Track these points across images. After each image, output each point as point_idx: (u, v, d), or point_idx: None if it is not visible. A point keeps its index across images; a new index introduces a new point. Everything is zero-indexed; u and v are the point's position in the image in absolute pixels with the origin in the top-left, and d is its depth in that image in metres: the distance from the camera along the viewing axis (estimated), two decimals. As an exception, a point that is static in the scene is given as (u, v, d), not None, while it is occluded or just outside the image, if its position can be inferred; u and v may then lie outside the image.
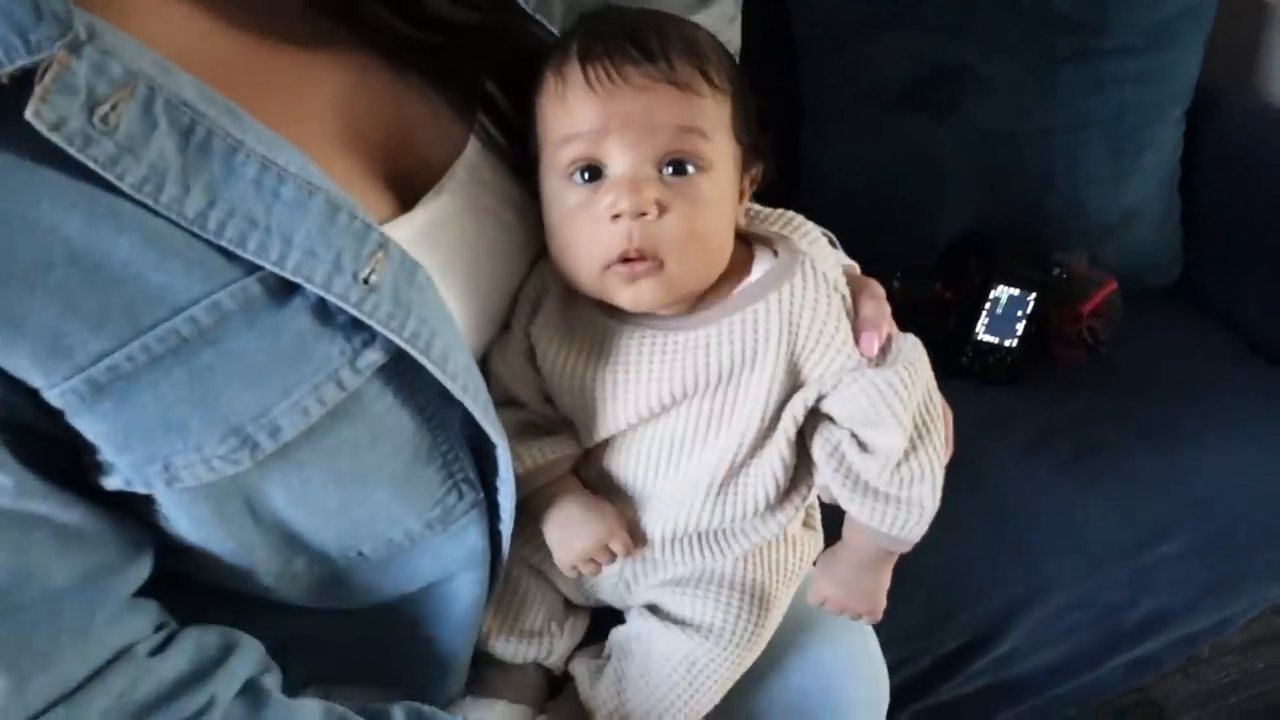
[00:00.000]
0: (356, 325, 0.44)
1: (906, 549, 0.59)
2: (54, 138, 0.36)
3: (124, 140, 0.38)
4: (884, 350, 0.55)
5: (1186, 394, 1.15)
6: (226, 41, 0.47)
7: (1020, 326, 1.13)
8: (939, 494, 0.56)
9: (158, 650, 0.47)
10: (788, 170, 1.27)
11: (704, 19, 1.18)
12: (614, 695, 0.63)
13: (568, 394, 0.57)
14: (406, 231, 0.49)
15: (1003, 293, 1.12)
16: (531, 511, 0.59)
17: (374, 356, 0.44)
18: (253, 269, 0.41)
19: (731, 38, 1.21)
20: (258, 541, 0.48)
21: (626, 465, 0.59)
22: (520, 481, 0.54)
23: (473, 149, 0.54)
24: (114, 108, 0.38)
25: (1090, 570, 0.98)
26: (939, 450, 0.56)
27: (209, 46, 0.46)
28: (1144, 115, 1.24)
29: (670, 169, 0.51)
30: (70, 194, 0.38)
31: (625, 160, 0.51)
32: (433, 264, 0.48)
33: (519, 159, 0.56)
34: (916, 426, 0.54)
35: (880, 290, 0.58)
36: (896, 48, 1.22)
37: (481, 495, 0.53)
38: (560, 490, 0.58)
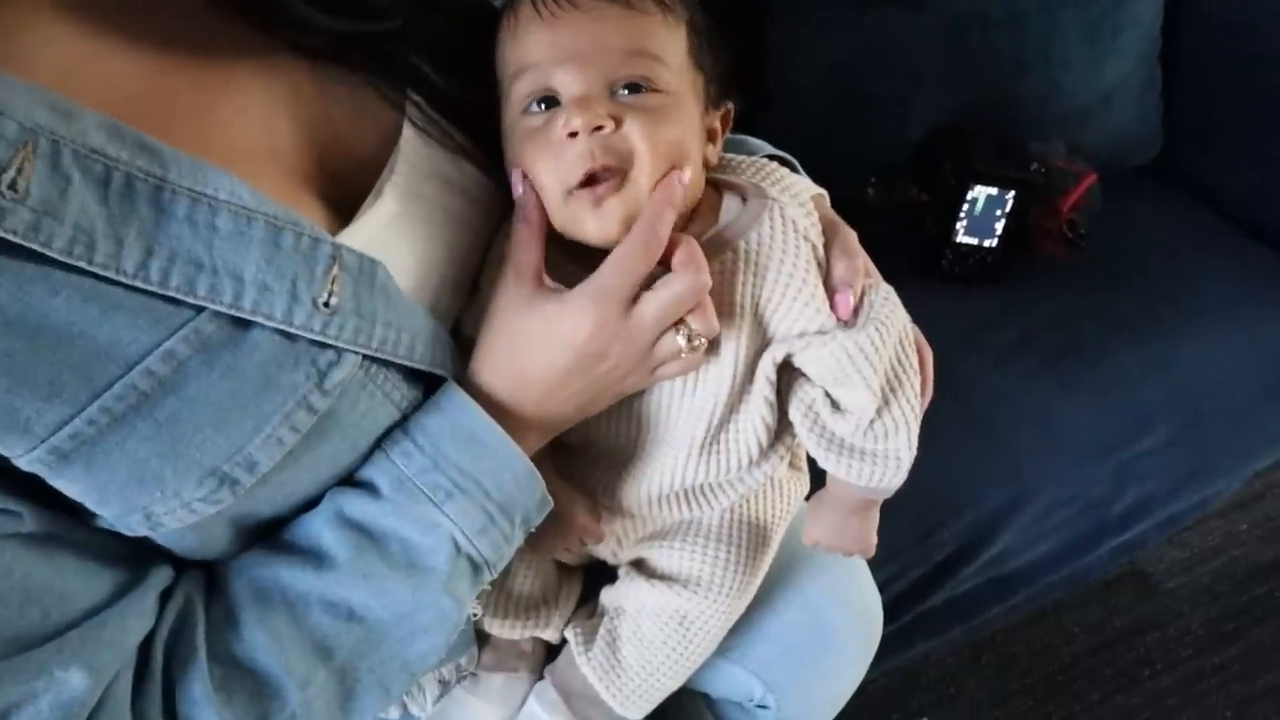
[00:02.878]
0: (320, 344, 0.42)
1: (889, 495, 0.59)
2: None
3: (39, 205, 0.35)
4: (856, 309, 0.53)
5: (1166, 283, 1.14)
6: (127, 59, 0.43)
7: (999, 226, 1.11)
8: (915, 444, 0.56)
9: None
10: (754, 72, 1.23)
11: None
12: (608, 655, 0.64)
13: None
14: (356, 240, 0.46)
15: (980, 193, 1.09)
16: None
17: (341, 374, 0.43)
18: (201, 308, 0.39)
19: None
20: (252, 540, 0.48)
21: (605, 429, 0.57)
22: None
23: (408, 136, 0.51)
24: (20, 171, 0.35)
25: (1074, 469, 0.99)
26: (913, 402, 0.55)
27: (108, 68, 0.42)
28: (1121, -11, 1.19)
29: (625, 91, 0.49)
30: None
31: (577, 84, 0.49)
32: (387, 258, 0.46)
33: (461, 129, 0.53)
34: (889, 381, 0.53)
35: (853, 240, 0.56)
36: (859, -65, 1.15)
37: None
38: None
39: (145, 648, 0.44)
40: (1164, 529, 1.22)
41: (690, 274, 0.48)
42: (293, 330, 0.41)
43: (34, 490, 0.40)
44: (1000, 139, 1.14)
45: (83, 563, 0.42)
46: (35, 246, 0.35)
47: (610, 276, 0.48)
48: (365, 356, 0.44)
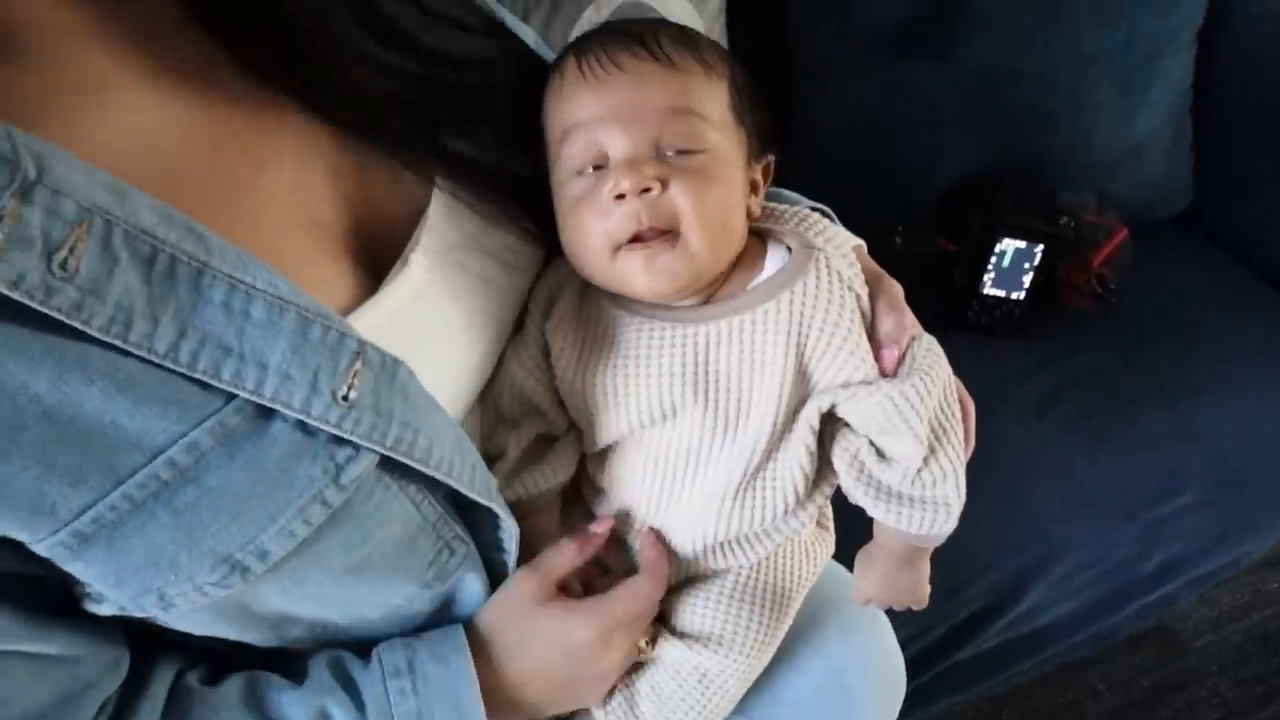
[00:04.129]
0: (339, 439, 0.43)
1: (939, 543, 0.59)
2: (15, 295, 0.35)
3: (86, 284, 0.36)
4: (900, 359, 0.54)
5: (1195, 339, 1.13)
6: (179, 132, 0.44)
7: (1027, 279, 1.10)
8: (964, 490, 0.56)
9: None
10: (781, 121, 1.24)
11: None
12: (626, 709, 0.64)
13: (578, 392, 0.57)
14: (379, 315, 0.48)
15: (1008, 246, 1.09)
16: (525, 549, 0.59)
17: (357, 470, 0.43)
18: (229, 398, 0.40)
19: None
20: (258, 627, 0.48)
21: (641, 475, 0.58)
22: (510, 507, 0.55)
23: (436, 205, 0.52)
24: (72, 250, 0.36)
25: (1100, 529, 0.98)
26: (958, 449, 0.56)
27: (161, 141, 0.43)
28: (1154, 44, 1.20)
29: (670, 150, 0.51)
30: (35, 349, 0.36)
31: (623, 144, 0.51)
32: (412, 341, 0.47)
33: (492, 196, 0.54)
34: (934, 430, 0.54)
35: (898, 294, 0.57)
36: (889, -14, 1.16)
37: (472, 545, 0.53)
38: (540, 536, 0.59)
39: None
40: (1194, 588, 1.20)
41: (656, 582, 0.58)
42: (310, 420, 0.41)
43: (10, 596, 0.41)
44: (1029, 190, 1.14)
45: (33, 671, 0.43)
46: (76, 324, 0.36)
47: (621, 603, 0.57)
48: (383, 456, 0.44)
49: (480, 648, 0.54)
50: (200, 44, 0.46)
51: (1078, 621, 1.03)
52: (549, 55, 0.62)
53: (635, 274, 0.51)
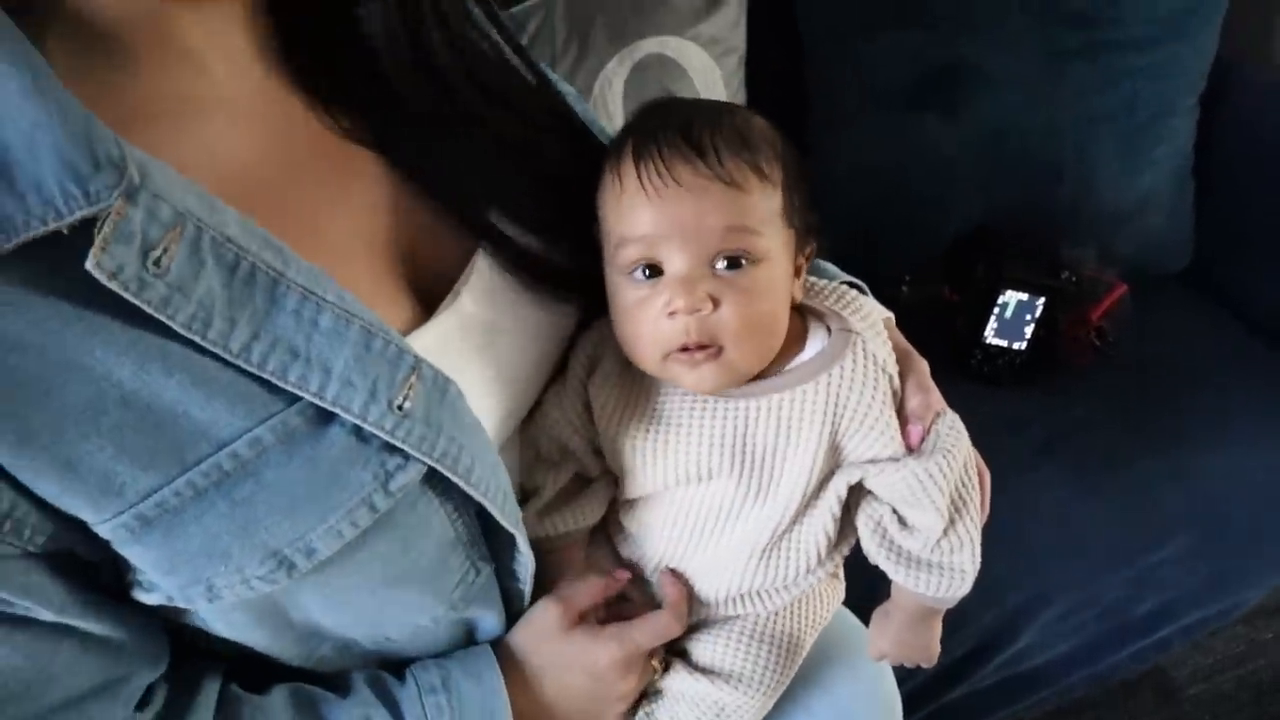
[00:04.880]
0: (390, 448, 0.46)
1: (952, 605, 0.63)
2: (112, 285, 0.38)
3: (175, 281, 0.40)
4: (924, 435, 0.57)
5: (1192, 393, 1.16)
6: (267, 163, 0.49)
7: (1029, 330, 1.14)
8: (978, 558, 0.60)
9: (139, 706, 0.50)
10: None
11: (709, 26, 1.18)
12: (643, 740, 0.67)
13: (618, 446, 0.60)
14: (433, 338, 0.51)
15: (1011, 297, 1.13)
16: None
17: (405, 479, 0.46)
18: (292, 400, 0.43)
19: (736, 43, 1.21)
20: (289, 637, 0.51)
21: (671, 530, 0.62)
22: (534, 544, 0.58)
23: (480, 265, 0.56)
24: (165, 250, 0.39)
25: (1094, 573, 1.01)
26: (976, 519, 0.59)
27: (249, 169, 0.48)
28: (1156, 108, 1.24)
29: (724, 264, 0.53)
30: (122, 339, 0.40)
31: (680, 261, 0.53)
32: (461, 363, 0.50)
33: (526, 277, 0.57)
34: (954, 501, 0.57)
35: (926, 373, 0.60)
36: (902, 46, 1.21)
37: (494, 565, 0.56)
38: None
39: None
40: (1187, 634, 1.22)
41: (678, 618, 0.62)
42: (366, 426, 0.44)
43: (68, 573, 0.43)
44: (1033, 244, 1.19)
45: (80, 652, 0.45)
46: (163, 318, 0.39)
47: (642, 633, 0.60)
48: (429, 469, 0.47)
49: (509, 668, 0.57)
50: (287, 80, 0.51)
51: (1072, 663, 1.06)
52: (590, 119, 0.66)
53: (683, 376, 0.55)
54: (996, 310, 1.13)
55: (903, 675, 0.80)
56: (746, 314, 0.53)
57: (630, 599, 0.64)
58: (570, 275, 0.58)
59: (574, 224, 0.58)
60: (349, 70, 0.52)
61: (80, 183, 0.37)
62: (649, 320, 0.54)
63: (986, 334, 1.15)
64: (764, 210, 0.54)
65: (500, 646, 0.59)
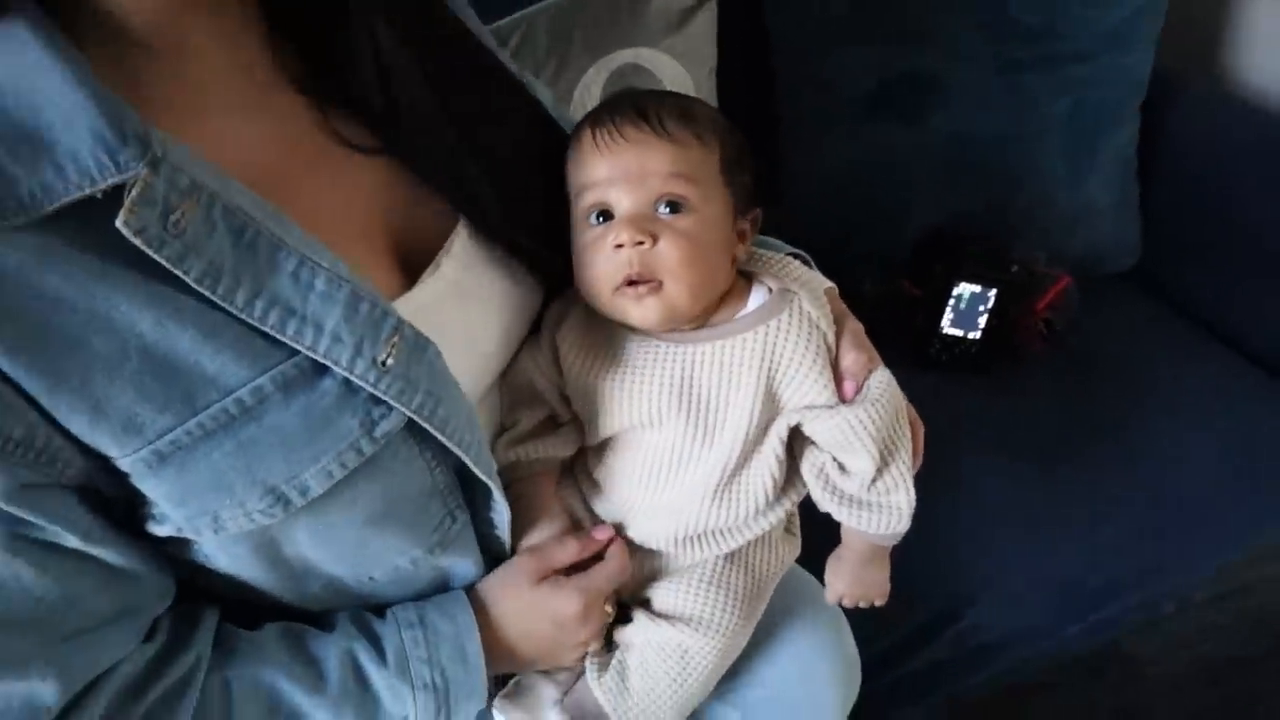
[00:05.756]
0: (375, 399, 0.51)
1: (896, 541, 0.70)
2: (136, 241, 0.44)
3: (189, 241, 0.45)
4: (858, 389, 0.64)
5: (1139, 380, 1.23)
6: (265, 150, 0.55)
7: (982, 320, 1.21)
8: (913, 498, 0.66)
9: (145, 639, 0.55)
10: (768, 176, 1.35)
11: (681, 39, 1.25)
12: (618, 681, 0.72)
13: (582, 391, 0.67)
14: (416, 303, 0.58)
15: (965, 290, 1.20)
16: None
17: (389, 426, 0.52)
18: (290, 354, 0.49)
19: (708, 55, 1.28)
20: (283, 571, 0.56)
21: (633, 474, 0.68)
22: (504, 470, 0.65)
23: (461, 233, 0.62)
24: (183, 214, 0.45)
25: (1045, 549, 1.07)
26: (907, 463, 0.66)
27: (254, 156, 0.54)
28: (1100, 114, 1.31)
29: (666, 208, 0.61)
30: (142, 294, 0.45)
31: (627, 202, 0.61)
32: (438, 330, 0.56)
33: (501, 246, 0.64)
34: (886, 447, 0.64)
35: (860, 332, 0.67)
36: (866, 59, 1.28)
37: (469, 515, 0.62)
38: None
39: (139, 689, 0.53)
40: (1139, 613, 1.28)
41: (624, 561, 0.69)
42: (353, 379, 0.50)
43: (94, 507, 0.49)
44: (988, 244, 1.26)
45: (101, 581, 0.50)
46: (178, 273, 0.45)
47: (599, 581, 0.67)
48: (409, 420, 0.53)
49: (481, 610, 0.63)
50: (289, 79, 0.58)
51: (1026, 635, 1.11)
52: (564, 117, 0.73)
53: (629, 309, 0.62)
54: (952, 302, 1.20)
55: (863, 640, 0.85)
56: (683, 252, 0.60)
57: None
58: (539, 255, 0.65)
59: (543, 208, 0.65)
60: (345, 72, 0.58)
61: (112, 154, 0.42)
62: (600, 257, 0.62)
63: (944, 324, 1.22)
64: (701, 166, 0.63)
65: (472, 592, 0.64)
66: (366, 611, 0.63)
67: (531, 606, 0.64)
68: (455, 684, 0.61)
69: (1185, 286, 1.40)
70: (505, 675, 0.72)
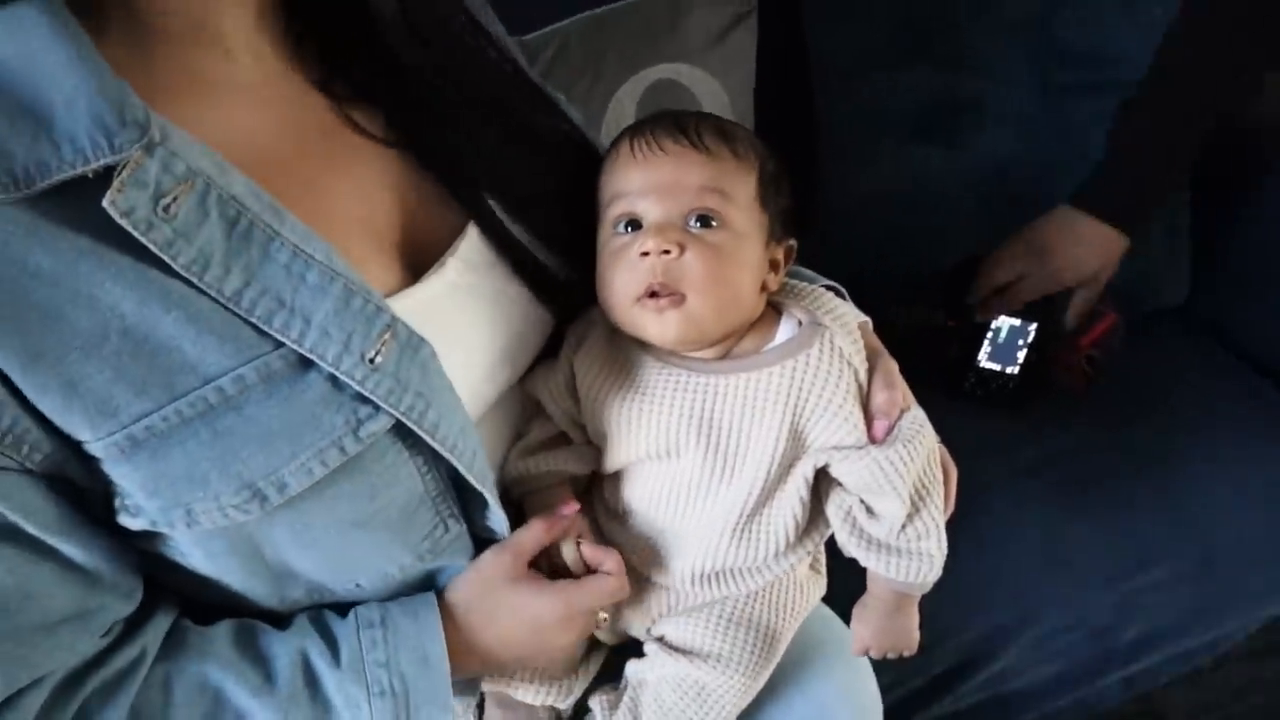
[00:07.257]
0: (362, 398, 0.50)
1: (926, 590, 0.66)
2: (123, 222, 0.43)
3: (180, 227, 0.45)
4: (889, 429, 0.61)
5: (1184, 421, 1.18)
6: (272, 139, 0.55)
7: (1021, 355, 1.17)
8: (944, 545, 0.63)
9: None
10: (806, 199, 1.32)
11: (719, 57, 1.23)
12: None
13: (598, 417, 0.64)
14: (415, 301, 0.56)
15: (1004, 323, 1.16)
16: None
17: (375, 427, 0.50)
18: (276, 345, 0.48)
19: (746, 73, 1.26)
20: (263, 574, 0.54)
21: (649, 504, 0.66)
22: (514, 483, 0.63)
23: (471, 236, 0.61)
24: (175, 199, 0.45)
25: (1077, 595, 1.03)
26: (939, 509, 0.63)
27: (264, 142, 0.53)
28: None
29: (697, 222, 0.59)
30: (129, 275, 0.45)
31: (657, 212, 0.60)
32: (439, 331, 0.54)
33: (509, 261, 0.63)
34: (917, 491, 0.61)
35: (894, 370, 0.64)
36: (908, 82, 1.25)
37: (465, 525, 0.60)
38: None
39: (77, 678, 0.51)
40: (1176, 665, 1.23)
41: (621, 579, 0.63)
42: (339, 374, 0.48)
43: (62, 496, 0.47)
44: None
45: (59, 577, 0.48)
46: (165, 258, 0.44)
47: (588, 593, 0.62)
48: (398, 422, 0.51)
49: (450, 613, 0.59)
50: (303, 69, 0.57)
51: (1055, 685, 1.07)
52: (593, 139, 0.71)
53: (648, 323, 0.60)
54: (990, 335, 1.16)
55: (885, 686, 0.82)
56: (709, 266, 0.58)
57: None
58: (551, 275, 0.63)
59: (564, 221, 0.63)
60: (359, 63, 0.58)
61: (108, 135, 0.42)
62: (624, 265, 0.59)
63: (980, 358, 1.18)
64: (737, 183, 0.61)
65: (444, 594, 0.61)
66: (329, 610, 0.60)
67: (506, 607, 0.60)
68: (415, 689, 0.57)
69: (1234, 324, 1.35)
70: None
